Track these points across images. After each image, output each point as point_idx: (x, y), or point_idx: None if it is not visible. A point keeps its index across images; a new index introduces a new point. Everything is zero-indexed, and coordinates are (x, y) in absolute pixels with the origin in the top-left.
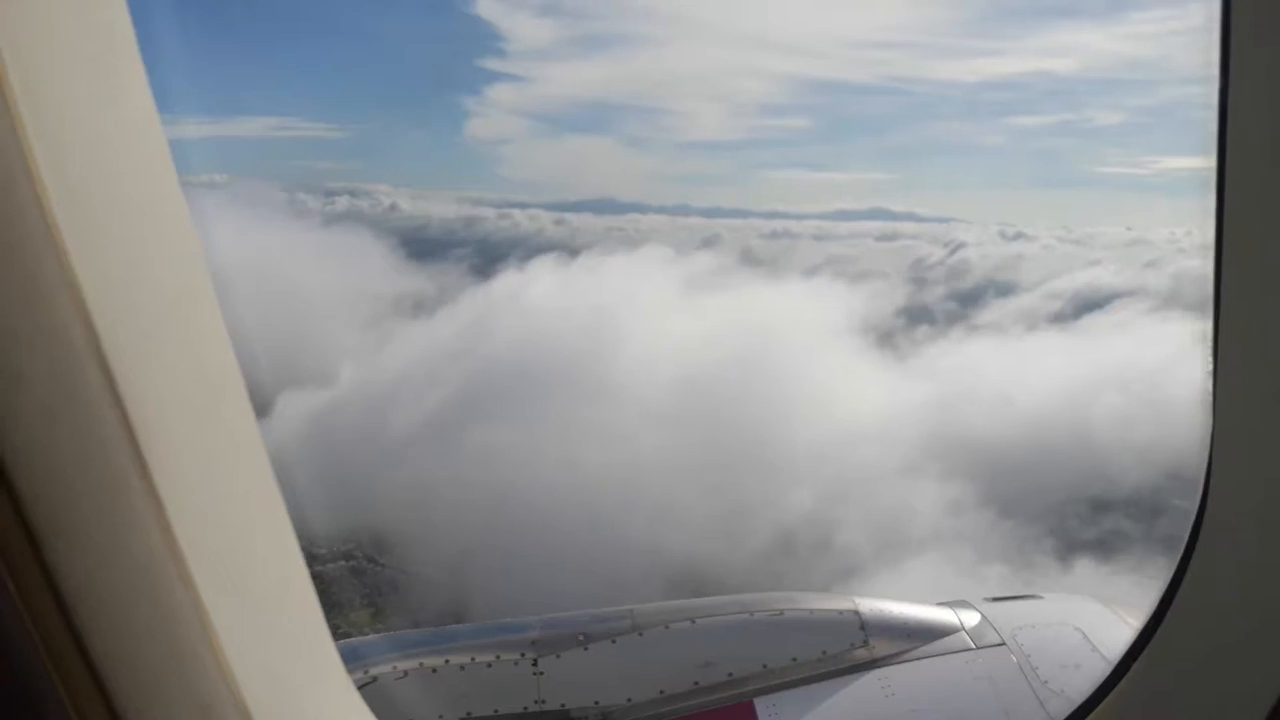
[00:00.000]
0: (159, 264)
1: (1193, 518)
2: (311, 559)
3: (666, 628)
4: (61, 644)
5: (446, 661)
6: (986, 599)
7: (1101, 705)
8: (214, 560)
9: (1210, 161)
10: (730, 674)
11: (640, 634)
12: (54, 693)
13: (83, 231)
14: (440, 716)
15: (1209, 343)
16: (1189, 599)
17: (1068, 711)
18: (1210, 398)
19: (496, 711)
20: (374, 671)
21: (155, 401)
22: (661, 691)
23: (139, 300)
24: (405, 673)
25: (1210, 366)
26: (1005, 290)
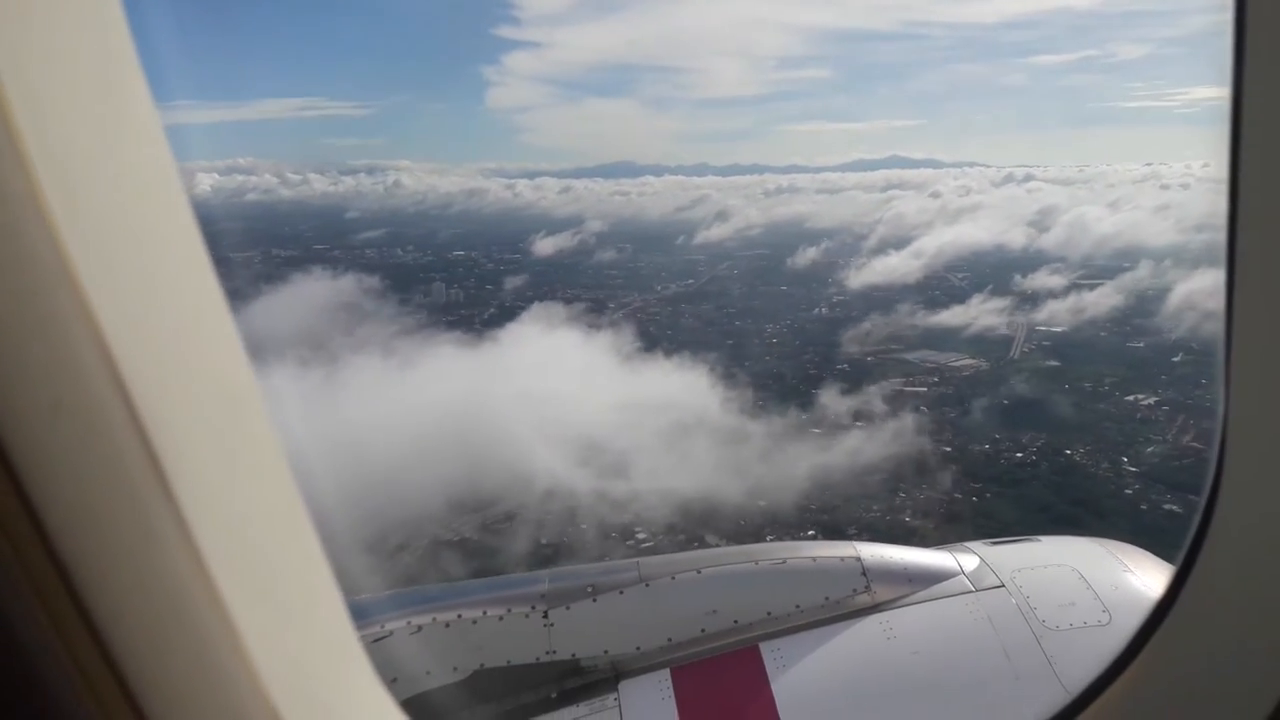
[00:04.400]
0: (171, 284)
1: (1200, 513)
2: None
3: (673, 578)
4: (96, 670)
5: (459, 615)
6: (986, 542)
7: (1098, 700)
8: (241, 577)
9: (1223, 152)
10: (736, 621)
11: (647, 585)
12: (91, 718)
13: (94, 260)
14: (454, 669)
15: (1222, 337)
16: (1194, 596)
17: (1066, 649)
18: (1224, 393)
19: (509, 662)
20: (389, 627)
21: (175, 422)
22: (669, 639)
23: (153, 323)
24: (419, 627)
25: (1224, 360)
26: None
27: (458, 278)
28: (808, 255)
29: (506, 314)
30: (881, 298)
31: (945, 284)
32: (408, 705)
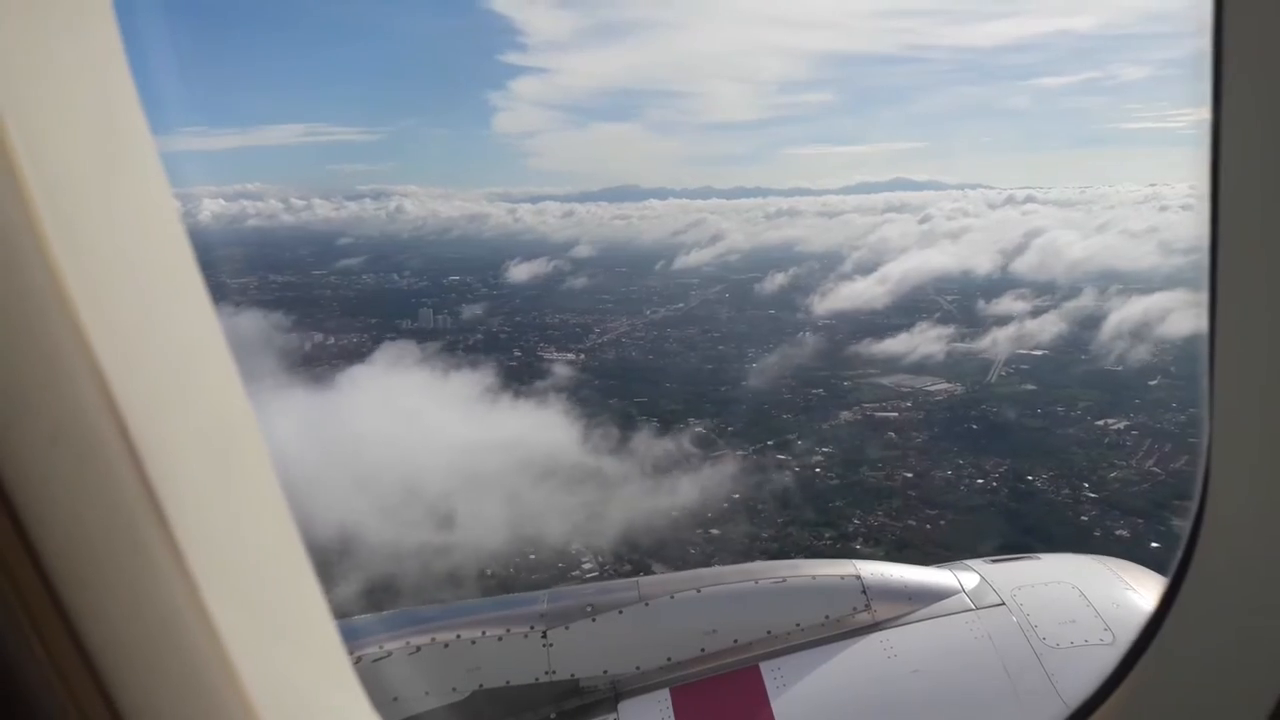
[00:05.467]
0: (167, 315)
1: (1192, 518)
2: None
3: (672, 597)
4: (90, 702)
5: (458, 636)
6: (986, 560)
7: (1102, 708)
8: (235, 605)
9: (1204, 173)
10: (735, 640)
11: (646, 604)
12: None
13: (91, 292)
14: (453, 689)
15: (1206, 338)
16: (1189, 601)
17: (1067, 666)
18: (1208, 395)
19: (508, 683)
20: (388, 647)
21: (171, 452)
22: (669, 659)
23: (150, 354)
24: (418, 648)
25: (1208, 363)
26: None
27: (449, 303)
28: (786, 279)
29: (483, 342)
30: (864, 321)
31: (934, 306)
32: None
